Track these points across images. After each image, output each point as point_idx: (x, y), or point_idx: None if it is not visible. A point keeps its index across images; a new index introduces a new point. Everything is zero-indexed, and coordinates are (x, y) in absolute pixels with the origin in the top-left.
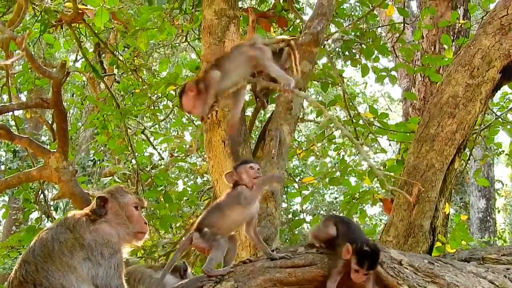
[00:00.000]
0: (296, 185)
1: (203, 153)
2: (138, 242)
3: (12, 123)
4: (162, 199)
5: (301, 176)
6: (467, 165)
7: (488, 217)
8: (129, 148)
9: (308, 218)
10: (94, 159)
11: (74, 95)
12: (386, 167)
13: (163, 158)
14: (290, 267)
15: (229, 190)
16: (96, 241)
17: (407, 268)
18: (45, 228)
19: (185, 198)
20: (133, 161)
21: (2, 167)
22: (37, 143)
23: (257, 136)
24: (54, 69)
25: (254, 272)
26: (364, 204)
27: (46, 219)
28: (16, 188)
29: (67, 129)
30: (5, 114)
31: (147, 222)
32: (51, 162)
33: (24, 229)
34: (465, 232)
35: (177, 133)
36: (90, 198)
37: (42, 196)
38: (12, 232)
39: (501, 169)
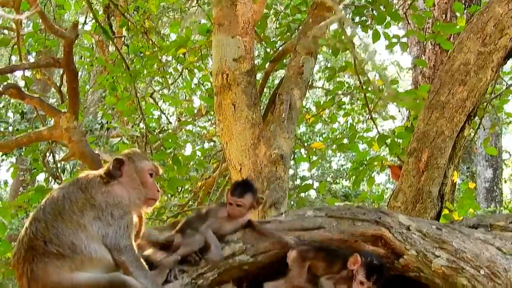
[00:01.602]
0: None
1: (211, 117)
2: (148, 208)
3: (22, 84)
4: (170, 162)
5: (309, 143)
6: (476, 134)
7: (495, 187)
8: (138, 110)
9: (315, 184)
10: (101, 122)
11: (83, 58)
12: (395, 134)
13: (170, 123)
14: (299, 230)
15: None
16: (107, 202)
17: (415, 234)
18: (57, 187)
19: (192, 161)
20: (142, 124)
21: (10, 129)
22: (47, 103)
23: (267, 100)
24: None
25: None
26: (372, 171)
27: (54, 181)
28: (24, 148)
29: (77, 89)
30: (15, 75)
31: (159, 190)
32: (61, 122)
33: (32, 188)
34: (472, 200)
35: (185, 97)
36: (100, 159)
37: (51, 157)
38: (19, 193)
39: (509, 139)
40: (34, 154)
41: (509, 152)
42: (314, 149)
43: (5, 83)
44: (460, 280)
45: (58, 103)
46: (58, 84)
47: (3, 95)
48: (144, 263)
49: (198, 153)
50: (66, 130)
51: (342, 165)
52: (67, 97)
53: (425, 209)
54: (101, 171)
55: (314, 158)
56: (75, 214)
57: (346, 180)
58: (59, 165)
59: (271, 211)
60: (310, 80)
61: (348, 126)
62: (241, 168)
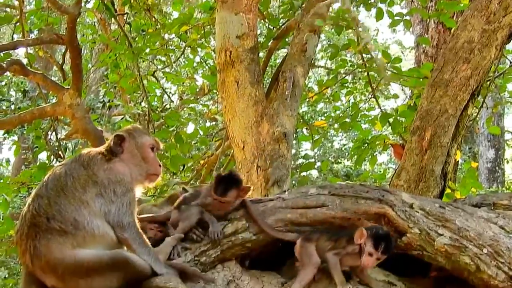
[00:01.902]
0: (305, 130)
1: (213, 95)
2: (150, 183)
3: (24, 62)
4: (172, 140)
5: (311, 122)
6: (478, 114)
7: (497, 168)
8: (141, 87)
9: (317, 164)
10: (103, 100)
11: (85, 36)
12: (398, 113)
13: (172, 101)
14: (302, 208)
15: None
16: (110, 179)
17: (418, 212)
18: (59, 163)
19: (195, 139)
20: (144, 103)
21: (12, 107)
22: (50, 79)
23: (271, 78)
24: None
25: (265, 212)
26: (374, 150)
27: (55, 159)
28: (27, 126)
29: (81, 65)
30: (17, 53)
31: (161, 164)
32: (64, 98)
33: (35, 166)
34: (475, 179)
35: (188, 76)
36: (103, 136)
37: (53, 135)
38: (21, 171)
39: (511, 119)
40: (37, 131)
41: (511, 132)
42: (316, 128)
43: (9, 59)
44: (463, 259)
45: (60, 81)
46: (60, 63)
47: (6, 72)
48: (147, 240)
49: (201, 131)
50: (70, 106)
51: (344, 145)
52: (69, 75)
53: (428, 188)
54: (102, 148)
55: (317, 137)
56: (78, 191)
57: (348, 160)
58: (61, 143)
59: (274, 189)
60: (313, 59)
61: (351, 104)
62: (244, 146)
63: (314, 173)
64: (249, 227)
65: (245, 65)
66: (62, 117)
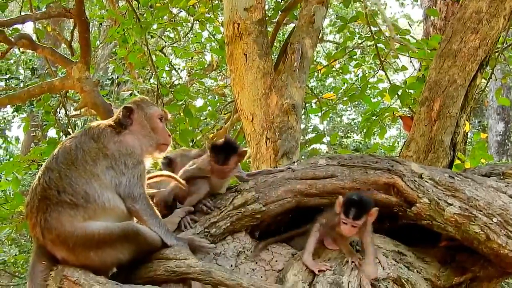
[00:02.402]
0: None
1: (222, 69)
2: (161, 153)
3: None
4: (182, 114)
5: (320, 96)
6: (487, 86)
7: (506, 140)
8: (149, 62)
9: (326, 139)
10: (112, 77)
11: (93, 11)
12: (407, 85)
13: (181, 77)
14: (311, 179)
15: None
16: (120, 151)
17: (427, 182)
18: (69, 137)
19: (205, 112)
20: (152, 80)
21: (21, 85)
22: (59, 53)
23: (279, 50)
24: None
25: (275, 183)
26: (383, 122)
27: (65, 136)
28: (36, 102)
29: (89, 39)
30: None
31: (170, 134)
32: (73, 72)
33: (45, 141)
34: (484, 150)
35: (196, 50)
36: (112, 109)
37: (62, 112)
38: (31, 149)
39: None
40: (46, 106)
41: None
42: (325, 100)
43: (17, 34)
44: (473, 228)
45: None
46: (68, 40)
47: (14, 48)
48: (157, 211)
49: (209, 105)
50: (78, 80)
51: (353, 119)
52: (77, 51)
53: (437, 158)
54: (111, 121)
55: (326, 109)
56: (88, 164)
57: (357, 134)
58: (70, 120)
59: (283, 161)
60: (321, 31)
61: (360, 77)
62: (253, 118)
63: (323, 148)
64: (258, 198)
65: (253, 38)
66: (71, 95)
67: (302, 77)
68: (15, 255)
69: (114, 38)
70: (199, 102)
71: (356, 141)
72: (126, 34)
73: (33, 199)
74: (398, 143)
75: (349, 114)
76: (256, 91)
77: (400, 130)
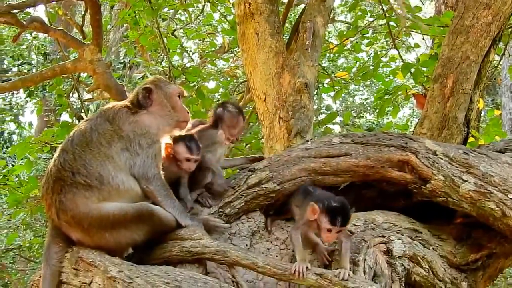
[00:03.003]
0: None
1: (234, 50)
2: (180, 131)
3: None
4: (194, 95)
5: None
6: (500, 64)
7: None
8: (161, 44)
9: (339, 119)
10: (124, 61)
11: None
12: (420, 62)
13: (193, 60)
14: (325, 157)
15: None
16: (135, 132)
17: (442, 158)
18: (84, 119)
19: (217, 94)
20: (164, 62)
21: (34, 70)
22: (71, 35)
23: (290, 29)
24: None
25: (288, 162)
26: (396, 100)
27: (78, 121)
28: (48, 85)
29: (101, 21)
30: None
31: (188, 111)
32: (85, 54)
33: (58, 124)
34: (499, 127)
35: (206, 31)
36: (125, 90)
37: (76, 95)
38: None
39: None
40: (59, 90)
41: None
42: (338, 79)
43: (29, 17)
44: (488, 204)
45: None
46: (80, 24)
47: (24, 35)
48: (171, 192)
49: (222, 86)
50: (90, 62)
51: (366, 99)
52: (89, 35)
53: (451, 135)
54: (127, 102)
55: (338, 88)
56: (103, 146)
57: (370, 114)
58: (83, 104)
59: (296, 140)
60: (332, 9)
61: (372, 55)
62: (265, 98)
63: (336, 128)
64: (272, 178)
65: (265, 17)
66: (83, 79)
67: (314, 55)
68: (30, 239)
69: (126, 21)
70: (210, 84)
71: (369, 121)
72: (137, 17)
73: (48, 180)
74: (411, 122)
75: (362, 94)
76: (269, 70)
77: (412, 109)
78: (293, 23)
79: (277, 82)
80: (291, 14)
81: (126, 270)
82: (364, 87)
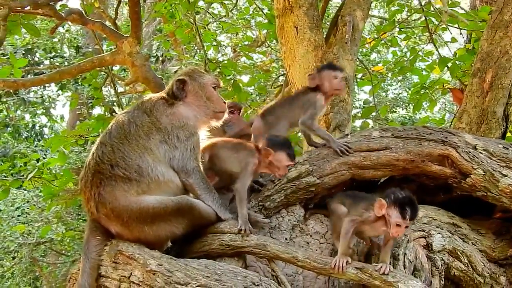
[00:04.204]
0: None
1: (271, 43)
2: (218, 122)
3: None
4: (230, 89)
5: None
6: None
7: None
8: (197, 37)
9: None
10: (156, 54)
11: None
12: (457, 57)
13: (226, 53)
14: (365, 151)
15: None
16: (173, 124)
17: (481, 153)
18: (122, 112)
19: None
20: (197, 56)
21: (66, 63)
22: (109, 27)
23: (330, 22)
24: None
25: (328, 156)
26: (433, 94)
27: (110, 114)
28: (81, 79)
29: (139, 13)
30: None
31: (225, 101)
32: (124, 47)
33: (93, 117)
34: None
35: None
36: (163, 83)
37: (108, 87)
38: (77, 126)
39: None
40: (94, 82)
41: None
42: (375, 73)
43: (67, 8)
44: None
45: None
46: (113, 17)
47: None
48: (211, 185)
49: (260, 80)
50: (129, 54)
51: (399, 94)
52: (122, 29)
53: (490, 130)
54: (163, 93)
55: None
56: (141, 138)
57: (403, 109)
58: (119, 96)
59: (335, 134)
60: (371, 2)
61: (409, 49)
62: None
63: (370, 123)
64: (312, 171)
65: (304, 10)
66: (116, 72)
67: (354, 49)
68: (62, 232)
69: (161, 14)
70: (245, 77)
71: (401, 116)
72: (173, 10)
73: (86, 174)
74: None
75: (395, 89)
76: (308, 64)
77: (444, 104)
78: (330, 17)
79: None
80: (329, 8)
81: (165, 264)
82: (397, 82)
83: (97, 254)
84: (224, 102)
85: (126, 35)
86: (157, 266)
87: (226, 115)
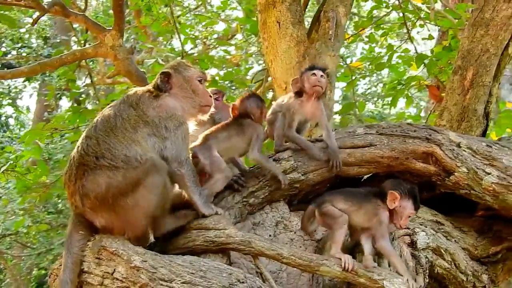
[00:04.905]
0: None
1: (249, 38)
2: (204, 115)
3: None
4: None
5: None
6: None
7: None
8: (175, 30)
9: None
10: (131, 46)
11: None
12: (434, 53)
13: (205, 43)
14: (350, 148)
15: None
16: (160, 116)
17: (465, 151)
18: (108, 106)
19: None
20: (167, 47)
21: (34, 54)
22: (92, 20)
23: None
24: None
25: None
26: (409, 91)
27: (77, 104)
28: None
29: (123, 6)
30: None
31: (211, 95)
32: (106, 40)
33: (68, 109)
34: (510, 120)
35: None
36: (146, 76)
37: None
38: (44, 118)
39: None
40: (71, 75)
41: None
42: (353, 69)
43: (50, 0)
44: (511, 197)
45: (83, 28)
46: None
47: (23, 19)
48: (198, 180)
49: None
50: (112, 47)
51: (368, 89)
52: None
53: (471, 127)
54: (149, 87)
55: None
56: (128, 131)
57: (372, 104)
58: (81, 90)
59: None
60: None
61: (386, 45)
62: (286, 87)
63: (337, 118)
64: (297, 168)
65: (287, 5)
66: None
67: (336, 45)
68: (28, 226)
69: (138, 6)
70: (213, 71)
71: (369, 111)
72: (150, 2)
73: (71, 167)
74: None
75: (364, 84)
76: (290, 59)
77: (417, 100)
78: (311, 12)
79: (298, 72)
80: (312, 3)
81: (150, 260)
82: (366, 77)
83: (79, 249)
84: (211, 96)
85: (109, 28)
86: (141, 262)
87: (212, 109)
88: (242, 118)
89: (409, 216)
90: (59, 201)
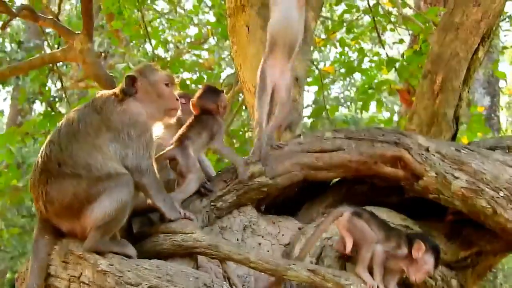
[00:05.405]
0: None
1: (220, 43)
2: (171, 119)
3: None
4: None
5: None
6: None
7: (493, 115)
8: (146, 34)
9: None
10: (104, 50)
11: None
12: (404, 57)
13: (178, 48)
14: (318, 152)
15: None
16: (123, 122)
17: (434, 155)
18: (74, 109)
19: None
20: (140, 52)
21: (7, 58)
22: (61, 24)
23: None
24: None
25: (281, 156)
26: (382, 95)
27: (50, 108)
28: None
29: (92, 10)
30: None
31: (178, 98)
32: (75, 43)
33: (40, 113)
34: (482, 124)
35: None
36: (114, 80)
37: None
38: (18, 123)
39: (504, 67)
40: (42, 78)
41: (505, 80)
42: (324, 73)
43: (19, 5)
44: (480, 202)
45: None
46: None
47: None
48: (162, 185)
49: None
50: (80, 51)
51: (341, 93)
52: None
53: (440, 132)
54: (116, 90)
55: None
56: (90, 136)
57: (345, 108)
58: (55, 95)
59: (286, 133)
60: (323, 3)
61: (357, 50)
62: (255, 91)
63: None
64: (265, 172)
65: (256, 10)
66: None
67: (305, 49)
68: (0, 229)
69: (110, 10)
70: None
71: (344, 115)
72: (121, 7)
73: (35, 173)
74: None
75: (338, 88)
76: (259, 63)
77: (387, 104)
78: None
79: None
80: None
81: (116, 264)
82: (339, 81)
83: (46, 253)
84: (177, 99)
85: (77, 32)
86: (108, 266)
87: (179, 112)
88: (202, 114)
89: (426, 273)
90: (32, 204)
